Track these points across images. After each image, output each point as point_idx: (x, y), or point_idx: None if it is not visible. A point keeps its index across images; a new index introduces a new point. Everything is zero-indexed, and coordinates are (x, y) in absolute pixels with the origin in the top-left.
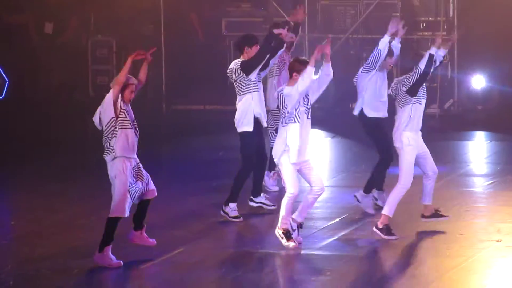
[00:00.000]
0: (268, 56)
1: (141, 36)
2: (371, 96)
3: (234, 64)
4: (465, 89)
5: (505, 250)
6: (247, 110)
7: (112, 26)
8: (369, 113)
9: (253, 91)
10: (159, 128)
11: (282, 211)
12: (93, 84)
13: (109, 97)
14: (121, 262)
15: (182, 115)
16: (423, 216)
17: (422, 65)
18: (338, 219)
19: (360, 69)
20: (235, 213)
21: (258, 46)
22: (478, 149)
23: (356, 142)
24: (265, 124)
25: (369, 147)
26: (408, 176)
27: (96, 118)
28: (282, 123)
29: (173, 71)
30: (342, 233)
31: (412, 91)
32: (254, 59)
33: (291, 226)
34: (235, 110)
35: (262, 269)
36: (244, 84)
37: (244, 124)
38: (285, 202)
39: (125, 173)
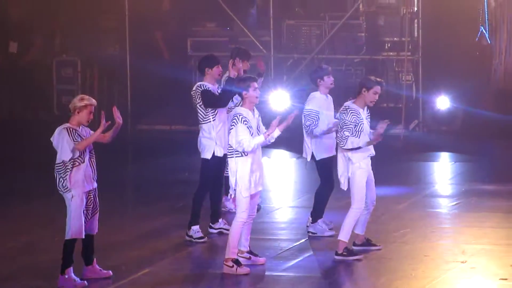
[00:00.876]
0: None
1: (106, 55)
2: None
3: (196, 88)
4: (430, 110)
5: (470, 271)
6: (208, 138)
7: (77, 46)
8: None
9: (213, 120)
10: (124, 148)
11: (233, 239)
12: (58, 104)
13: (58, 139)
14: (85, 282)
15: (147, 135)
16: (354, 244)
17: (348, 143)
18: (303, 240)
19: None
20: (199, 234)
21: (220, 67)
22: (442, 170)
23: None
24: (223, 153)
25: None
26: (361, 199)
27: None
28: (229, 154)
29: (138, 90)
30: (307, 254)
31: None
32: (216, 101)
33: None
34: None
35: None
36: (204, 113)
37: (207, 151)
38: (236, 228)
39: (80, 197)
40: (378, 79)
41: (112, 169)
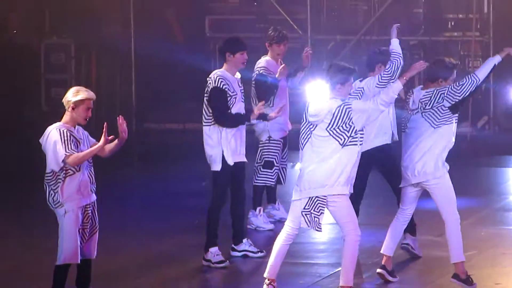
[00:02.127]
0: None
1: (107, 38)
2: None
3: (210, 78)
4: (503, 104)
5: None
6: (211, 146)
7: (70, 26)
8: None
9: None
10: (127, 150)
11: (350, 266)
12: (47, 97)
13: (47, 143)
14: None
15: (155, 135)
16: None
17: (480, 74)
18: None
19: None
20: (219, 258)
21: (245, 55)
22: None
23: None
24: (236, 159)
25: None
26: (455, 206)
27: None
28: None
29: (145, 81)
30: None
31: (457, 107)
32: (228, 121)
33: None
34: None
35: None
36: (208, 111)
37: (213, 162)
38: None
39: (75, 212)
40: (454, 61)
41: (113, 177)
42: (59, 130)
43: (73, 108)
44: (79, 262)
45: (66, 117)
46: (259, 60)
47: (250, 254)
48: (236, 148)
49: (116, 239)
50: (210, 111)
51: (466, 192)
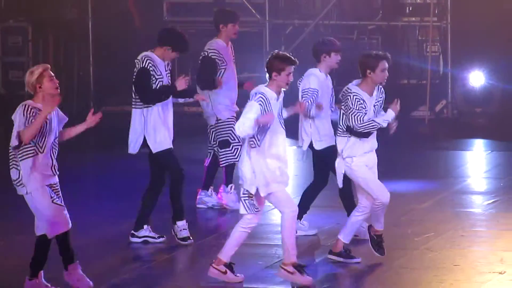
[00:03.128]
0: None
1: (63, 20)
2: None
3: (140, 57)
4: (461, 88)
5: (510, 284)
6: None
7: (27, 9)
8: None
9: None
10: (85, 133)
11: (289, 241)
12: (4, 80)
13: (16, 118)
14: None
15: (114, 118)
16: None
17: (361, 126)
18: (306, 246)
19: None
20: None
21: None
22: (476, 160)
23: None
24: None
25: None
26: (382, 190)
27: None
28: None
29: (103, 64)
30: (310, 262)
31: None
32: (152, 95)
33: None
34: (183, 113)
35: None
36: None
37: (130, 144)
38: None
39: (40, 191)
40: (380, 53)
41: (71, 158)
42: (24, 106)
43: (39, 87)
44: (70, 227)
45: (37, 98)
46: (211, 41)
47: (151, 240)
48: (165, 133)
49: (74, 220)
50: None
51: (425, 175)
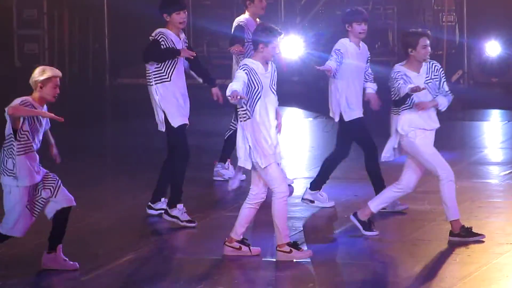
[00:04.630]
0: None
1: None
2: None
3: (154, 33)
4: (477, 58)
5: None
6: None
7: None
8: None
9: (160, 82)
10: (100, 105)
11: (280, 220)
12: (20, 53)
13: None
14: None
15: (129, 90)
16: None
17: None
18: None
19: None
20: (187, 217)
21: (181, 14)
22: (493, 131)
23: None
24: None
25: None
26: (443, 165)
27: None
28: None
29: (118, 34)
30: (328, 235)
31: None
32: (148, 53)
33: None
34: (194, 84)
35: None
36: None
37: (159, 123)
38: (281, 207)
39: (23, 190)
40: (420, 30)
41: (87, 132)
42: (22, 99)
43: (41, 87)
44: (20, 236)
45: (35, 95)
46: (239, 17)
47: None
48: (179, 110)
49: (92, 195)
50: (148, 68)
51: (441, 147)
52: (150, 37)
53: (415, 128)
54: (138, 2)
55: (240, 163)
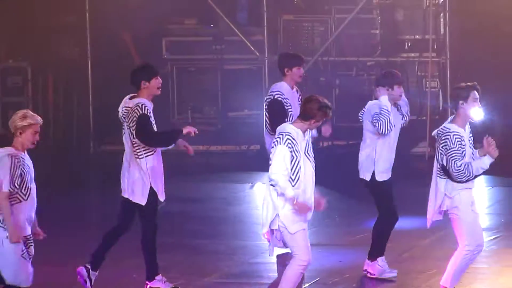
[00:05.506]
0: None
1: (63, 60)
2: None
3: (139, 105)
4: None
5: None
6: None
7: (26, 49)
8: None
9: (151, 154)
10: (85, 172)
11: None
12: (4, 119)
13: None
14: None
15: (113, 157)
16: None
17: (457, 173)
18: (307, 284)
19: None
20: (169, 285)
21: (159, 79)
22: (477, 196)
23: (330, 189)
24: (162, 198)
25: (346, 194)
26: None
27: None
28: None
29: (102, 102)
30: None
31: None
32: (156, 141)
33: None
34: (181, 151)
35: None
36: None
37: (136, 194)
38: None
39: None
40: (469, 84)
41: (70, 196)
42: (11, 156)
43: (20, 133)
44: (29, 284)
45: (16, 141)
46: (275, 84)
47: None
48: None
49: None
50: (135, 141)
51: (426, 212)
52: (133, 109)
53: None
54: (122, 69)
55: (264, 230)
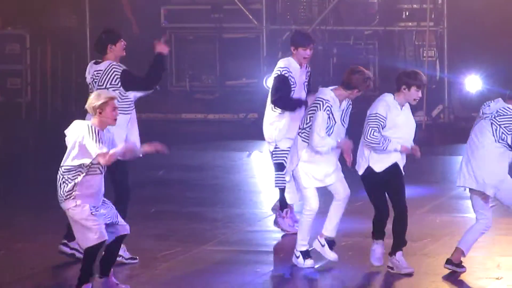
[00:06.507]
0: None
1: (61, 28)
2: None
3: (100, 67)
4: (457, 93)
5: None
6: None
7: (25, 17)
8: None
9: (130, 112)
10: None
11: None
12: (2, 88)
13: (80, 136)
14: None
15: None
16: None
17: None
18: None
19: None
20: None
21: (123, 41)
22: None
23: None
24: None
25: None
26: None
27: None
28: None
29: None
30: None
31: None
32: (150, 80)
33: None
34: (180, 119)
35: None
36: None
37: None
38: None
39: (85, 207)
40: (419, 74)
41: None
42: (90, 126)
43: (100, 113)
44: (107, 238)
45: (95, 120)
46: (283, 59)
47: (78, 255)
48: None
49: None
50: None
51: (421, 181)
52: (116, 70)
53: None
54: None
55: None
